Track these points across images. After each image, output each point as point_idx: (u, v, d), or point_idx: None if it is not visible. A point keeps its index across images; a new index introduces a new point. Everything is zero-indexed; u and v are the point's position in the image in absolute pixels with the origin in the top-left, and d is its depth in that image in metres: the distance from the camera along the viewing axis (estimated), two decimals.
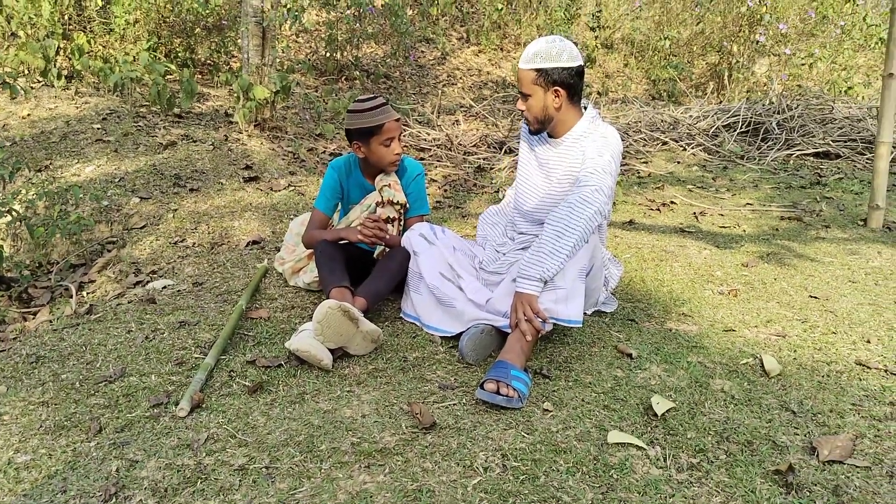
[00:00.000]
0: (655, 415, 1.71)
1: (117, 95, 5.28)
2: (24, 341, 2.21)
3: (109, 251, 3.29)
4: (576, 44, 9.73)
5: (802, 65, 8.44)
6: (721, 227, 3.92)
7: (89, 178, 3.91)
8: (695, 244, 3.44)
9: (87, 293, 2.98)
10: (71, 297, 2.92)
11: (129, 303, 2.62)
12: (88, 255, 3.31)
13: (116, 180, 3.87)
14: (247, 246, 3.17)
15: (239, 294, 2.59)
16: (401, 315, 2.40)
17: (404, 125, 6.42)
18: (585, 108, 2.29)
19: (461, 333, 2.12)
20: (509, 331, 2.01)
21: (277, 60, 5.40)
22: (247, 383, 1.86)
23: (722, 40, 8.73)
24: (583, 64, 2.19)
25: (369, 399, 1.78)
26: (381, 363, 2.01)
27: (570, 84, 2.17)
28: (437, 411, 1.73)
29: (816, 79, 8.55)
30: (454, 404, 1.77)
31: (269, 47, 5.20)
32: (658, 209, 4.27)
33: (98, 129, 4.53)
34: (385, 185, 2.52)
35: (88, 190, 3.71)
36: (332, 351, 1.97)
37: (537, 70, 2.14)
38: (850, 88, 8.07)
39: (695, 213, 4.19)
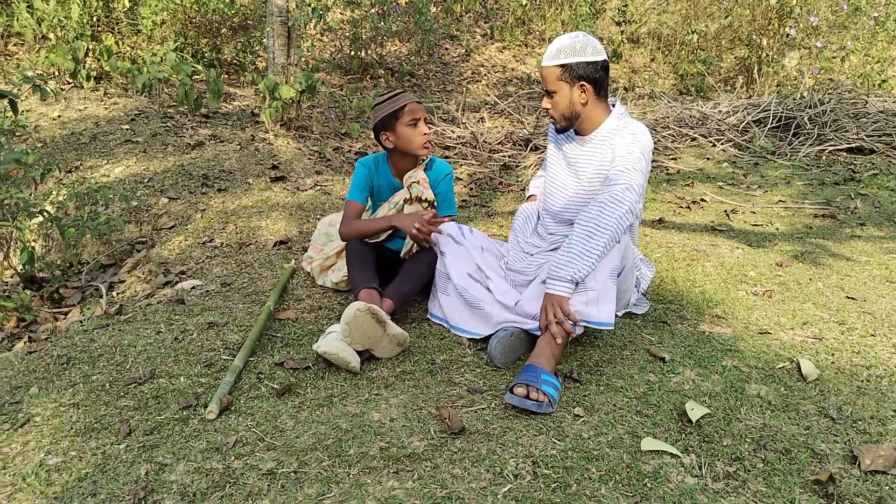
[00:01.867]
0: (690, 421, 1.67)
1: (145, 96, 5.32)
2: (56, 342, 2.22)
3: (139, 251, 3.32)
4: (600, 39, 9.64)
5: (834, 58, 8.27)
6: (753, 225, 3.85)
7: (119, 178, 3.94)
8: (727, 243, 3.38)
9: (117, 293, 3.01)
10: (101, 297, 2.94)
11: (158, 303, 2.64)
12: (118, 256, 3.34)
13: (145, 181, 3.90)
14: (274, 246, 3.17)
15: (267, 295, 2.59)
16: (428, 316, 2.38)
17: (429, 123, 6.40)
18: (613, 105, 2.25)
19: (489, 336, 2.09)
20: (539, 333, 1.98)
21: (302, 59, 5.41)
22: (275, 386, 1.85)
23: (751, 34, 8.58)
24: (608, 59, 2.15)
25: (397, 402, 1.76)
26: (408, 366, 1.99)
27: (596, 78, 2.13)
28: (466, 416, 1.70)
29: (849, 72, 8.38)
30: (483, 409, 1.74)
31: (294, 47, 5.21)
32: (688, 207, 4.20)
33: (127, 129, 4.57)
34: (414, 182, 2.50)
35: (118, 190, 3.75)
36: (358, 353, 1.96)
37: (562, 66, 2.10)
38: (884, 81, 7.89)
39: (726, 211, 4.11)
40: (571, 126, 2.23)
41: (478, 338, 2.18)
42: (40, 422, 1.71)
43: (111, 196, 3.52)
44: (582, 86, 2.12)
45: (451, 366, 2.00)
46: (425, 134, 2.43)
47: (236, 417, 1.70)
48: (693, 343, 2.15)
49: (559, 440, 1.58)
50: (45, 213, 3.11)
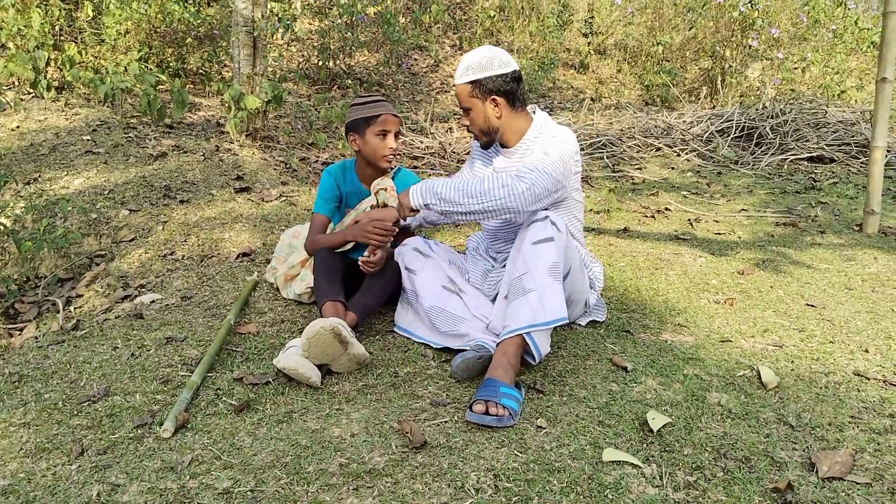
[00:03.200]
0: (651, 430, 1.67)
1: (108, 106, 5.24)
2: (8, 359, 2.16)
3: (98, 265, 3.25)
4: (568, 50, 9.73)
5: (795, 69, 8.44)
6: (716, 233, 3.90)
7: (78, 190, 3.86)
8: (690, 251, 3.41)
9: (75, 308, 2.94)
10: (58, 311, 2.87)
11: (116, 318, 2.58)
12: (77, 269, 3.27)
13: (106, 192, 3.83)
14: (237, 258, 3.13)
15: (228, 308, 2.55)
16: (394, 329, 2.36)
17: (400, 136, 6.39)
18: (534, 113, 2.27)
19: (457, 351, 2.09)
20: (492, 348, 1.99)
21: (269, 70, 5.37)
22: (233, 402, 1.81)
23: (714, 45, 8.73)
24: (518, 69, 2.17)
25: (359, 417, 1.74)
26: (371, 379, 1.97)
27: (507, 90, 2.14)
28: (429, 429, 1.69)
29: (809, 83, 8.55)
30: (446, 422, 1.73)
31: (260, 57, 5.17)
32: (653, 216, 4.24)
33: (88, 140, 4.49)
34: (381, 189, 2.48)
35: (77, 203, 3.67)
36: (318, 367, 1.93)
37: (471, 83, 2.13)
38: (843, 92, 8.07)
39: (689, 220, 4.16)
40: (493, 140, 2.25)
41: (440, 347, 2.17)
42: None
43: (70, 208, 3.44)
44: (494, 100, 2.14)
45: (414, 378, 1.98)
46: (391, 148, 2.42)
47: (192, 435, 1.66)
48: (655, 352, 2.16)
49: (521, 452, 1.57)
50: (1, 226, 3.03)
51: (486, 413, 1.68)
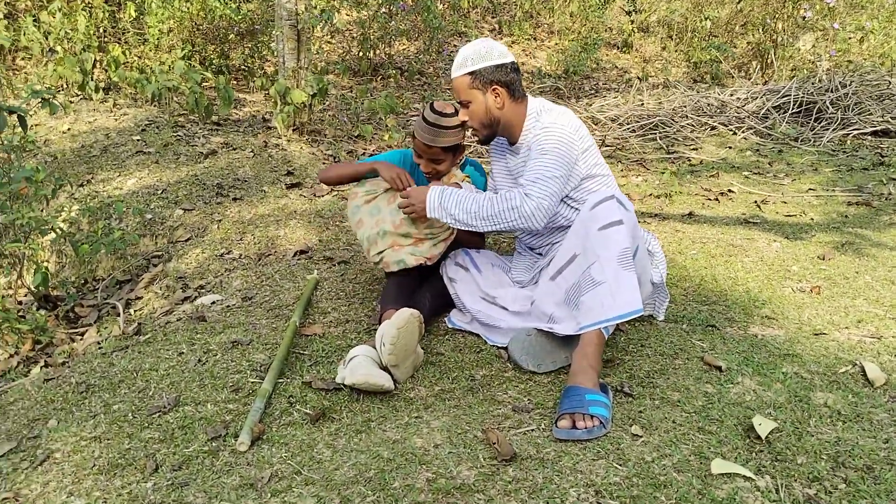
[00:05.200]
0: (758, 437, 1.54)
1: (155, 105, 5.23)
2: (73, 367, 2.13)
3: (155, 266, 3.22)
4: (610, 29, 9.48)
5: (850, 38, 8.08)
6: (786, 215, 3.71)
7: (131, 190, 3.85)
8: (762, 236, 3.24)
9: (135, 311, 2.91)
10: (118, 315, 2.85)
11: (178, 320, 2.54)
12: (134, 271, 3.25)
13: (159, 192, 3.81)
14: (294, 256, 3.07)
15: (290, 308, 2.49)
16: (450, 326, 2.28)
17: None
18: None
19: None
20: (556, 332, 1.89)
21: (312, 63, 5.30)
22: (308, 410, 1.74)
23: (765, 17, 8.40)
24: (515, 61, 2.10)
25: (440, 426, 1.65)
26: (447, 383, 1.88)
27: (507, 81, 2.07)
28: (515, 439, 1.59)
29: (866, 53, 8.17)
30: (532, 430, 1.63)
31: (304, 50, 5.11)
32: (716, 199, 4.06)
33: (138, 140, 4.48)
34: (454, 185, 2.38)
35: (131, 203, 3.65)
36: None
37: (470, 73, 2.06)
38: None
39: (756, 202, 3.97)
40: (494, 134, 2.16)
41: (504, 347, 2.09)
42: (61, 458, 1.61)
43: (124, 209, 3.42)
44: (495, 90, 2.06)
45: (492, 381, 1.88)
46: (426, 173, 2.33)
47: (269, 448, 1.59)
48: (747, 348, 2.02)
49: (621, 465, 1.46)
50: (57, 230, 3.02)
51: (574, 427, 1.58)
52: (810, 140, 5.72)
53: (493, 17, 9.71)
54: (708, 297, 2.47)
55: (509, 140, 2.19)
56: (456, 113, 2.20)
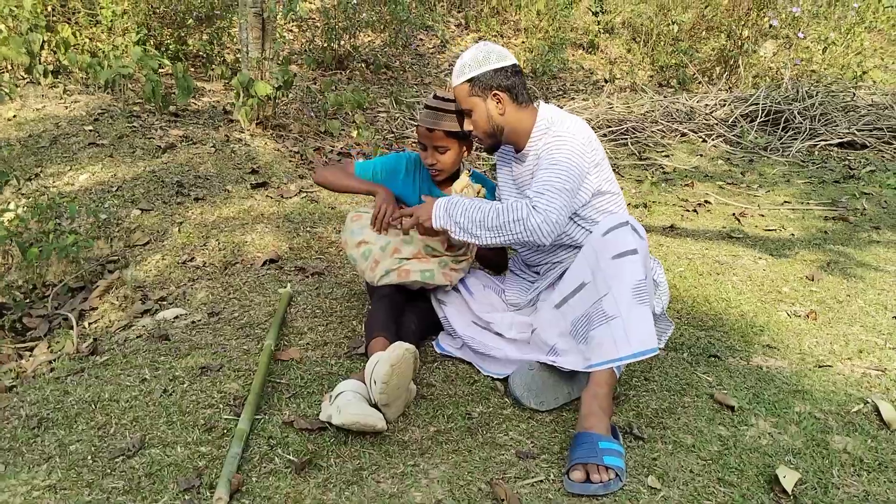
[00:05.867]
0: (784, 491, 1.44)
1: (108, 93, 4.93)
2: (23, 395, 1.91)
3: (111, 272, 2.99)
4: (574, 29, 9.42)
5: (807, 48, 8.16)
6: (766, 229, 3.67)
7: (84, 187, 3.59)
8: (747, 252, 3.18)
9: (89, 323, 2.68)
10: (71, 328, 2.62)
11: (138, 338, 2.33)
12: (88, 277, 3.01)
13: (114, 189, 3.56)
14: (263, 265, 2.87)
15: (262, 327, 2.30)
16: (438, 351, 2.13)
17: (410, 119, 6.11)
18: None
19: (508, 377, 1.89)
20: (560, 366, 1.76)
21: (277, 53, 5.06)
22: (291, 456, 1.57)
23: (731, 24, 8.43)
24: (517, 63, 1.97)
25: (439, 476, 1.50)
26: (442, 422, 1.73)
27: (508, 85, 1.94)
28: (524, 491, 1.45)
29: (827, 63, 8.27)
30: (541, 481, 1.49)
31: (269, 39, 4.87)
32: (695, 210, 4.00)
33: (90, 131, 4.20)
34: (466, 187, 2.22)
35: (84, 201, 3.40)
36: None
37: (469, 81, 1.93)
38: (864, 73, 7.80)
39: (734, 214, 3.92)
40: (498, 142, 2.03)
41: (501, 377, 1.95)
42: None
43: (77, 209, 3.16)
44: (495, 94, 1.93)
45: (490, 420, 1.74)
46: (429, 164, 2.18)
47: (251, 502, 1.42)
48: (755, 383, 1.93)
49: None
50: (1, 228, 2.76)
51: (588, 480, 1.45)
52: (779, 150, 5.73)
53: (458, 12, 9.56)
54: (703, 322, 2.38)
55: (515, 147, 2.05)
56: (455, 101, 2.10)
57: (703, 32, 9.00)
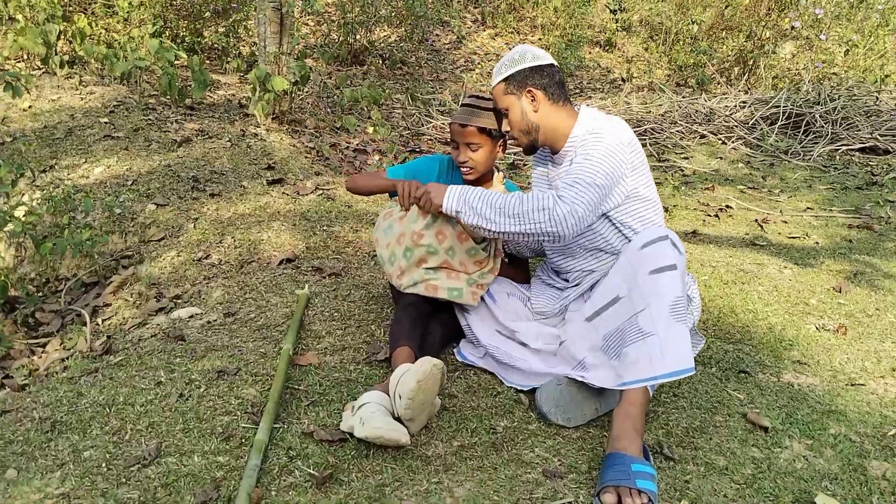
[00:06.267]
0: None
1: (124, 84, 4.90)
2: (35, 395, 1.87)
3: (125, 268, 2.95)
4: (591, 27, 9.32)
5: (830, 49, 8.05)
6: (789, 237, 3.59)
7: (98, 180, 3.55)
8: (772, 261, 3.11)
9: (103, 320, 2.65)
10: (84, 324, 2.58)
11: (152, 337, 2.29)
12: (101, 272, 2.97)
13: (129, 183, 3.52)
14: (280, 264, 2.83)
15: (279, 329, 2.26)
16: (459, 359, 2.07)
17: (426, 116, 6.06)
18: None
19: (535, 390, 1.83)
20: (590, 382, 1.70)
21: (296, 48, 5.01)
22: (311, 469, 1.52)
23: (751, 25, 8.32)
24: (554, 63, 1.94)
25: (465, 494, 1.45)
26: (465, 437, 1.68)
27: (543, 83, 1.92)
28: None
29: (847, 65, 8.15)
30: (570, 503, 1.44)
31: (287, 34, 4.82)
32: (716, 215, 3.93)
33: (106, 123, 4.16)
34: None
35: (99, 195, 3.36)
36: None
37: (504, 79, 1.93)
38: (886, 76, 7.68)
39: (756, 220, 3.85)
40: (535, 142, 1.98)
41: (525, 389, 1.90)
42: None
43: (92, 202, 3.13)
44: (530, 92, 1.91)
45: (515, 436, 1.69)
46: (461, 161, 2.15)
47: None
48: (787, 401, 1.87)
49: None
50: (16, 221, 2.73)
51: None
52: (800, 154, 5.64)
53: (475, 7, 9.48)
54: (731, 335, 2.32)
55: (552, 149, 2.01)
56: (490, 99, 2.11)
57: (723, 32, 8.89)
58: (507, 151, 5.17)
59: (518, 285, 2.18)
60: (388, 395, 1.65)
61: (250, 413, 1.74)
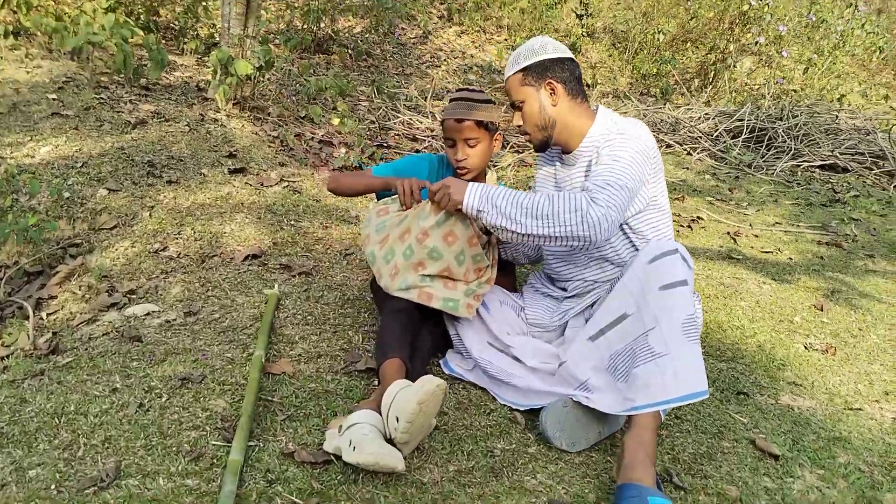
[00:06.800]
0: None
1: (74, 60, 4.59)
2: None
3: (73, 257, 2.71)
4: (556, 31, 9.30)
5: (786, 67, 8.18)
6: (762, 251, 3.57)
7: (45, 160, 3.28)
8: (749, 276, 3.07)
9: (47, 314, 2.41)
10: (26, 318, 2.35)
11: (104, 335, 2.09)
12: (46, 261, 2.73)
13: (78, 165, 3.26)
14: (244, 260, 2.64)
15: (246, 333, 2.08)
16: (447, 372, 1.93)
17: (393, 111, 5.89)
18: (597, 109, 1.89)
19: (538, 409, 1.70)
20: (595, 406, 1.58)
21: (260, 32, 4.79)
22: (294, 496, 1.36)
23: (715, 37, 8.41)
24: (573, 57, 1.84)
25: None
26: (462, 460, 1.54)
27: (564, 77, 1.81)
28: None
29: (804, 84, 8.31)
30: None
31: (252, 16, 4.60)
32: (689, 226, 3.89)
33: (54, 100, 3.87)
34: None
35: (45, 176, 3.10)
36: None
37: (522, 70, 1.81)
38: (842, 96, 7.86)
39: (729, 233, 3.82)
40: (549, 138, 1.86)
41: (521, 408, 1.77)
42: None
43: (39, 185, 2.87)
44: (550, 84, 1.80)
45: (515, 460, 1.56)
46: (457, 160, 2.02)
47: None
48: (791, 426, 1.79)
49: None
50: None
51: None
52: (762, 168, 5.68)
53: (441, 3, 9.35)
54: (722, 352, 2.24)
55: (564, 148, 1.88)
56: (481, 91, 2.01)
57: (686, 44, 8.96)
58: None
59: (510, 294, 2.05)
60: (380, 413, 1.50)
61: (221, 429, 1.56)
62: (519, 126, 1.86)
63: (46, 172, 3.16)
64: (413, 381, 1.64)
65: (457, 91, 2.04)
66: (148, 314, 2.24)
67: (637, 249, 1.77)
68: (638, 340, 1.55)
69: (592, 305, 1.83)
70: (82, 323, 2.28)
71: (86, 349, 1.97)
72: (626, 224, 1.77)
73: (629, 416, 1.52)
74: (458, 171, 2.04)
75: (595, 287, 1.84)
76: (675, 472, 1.55)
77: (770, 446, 1.67)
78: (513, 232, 1.64)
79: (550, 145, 1.87)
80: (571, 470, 1.55)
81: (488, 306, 1.94)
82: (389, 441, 1.46)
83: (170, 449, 1.47)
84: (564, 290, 1.94)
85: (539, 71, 1.78)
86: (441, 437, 1.61)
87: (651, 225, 1.78)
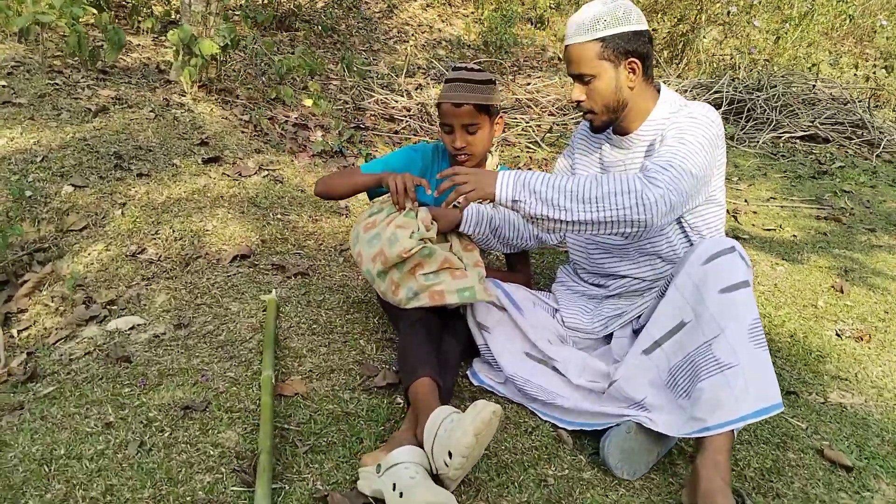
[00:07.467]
0: None
1: (22, 43, 4.24)
2: None
3: (41, 263, 2.46)
4: (522, 3, 9.09)
5: (756, 38, 8.12)
6: (765, 229, 3.47)
7: (1, 155, 2.99)
8: (760, 256, 2.96)
9: (18, 331, 2.17)
10: None
11: (86, 355, 1.87)
12: (11, 269, 2.47)
13: (38, 160, 2.98)
14: (232, 261, 2.42)
15: (247, 346, 1.88)
16: (476, 383, 1.76)
17: (366, 90, 5.64)
18: (658, 88, 1.70)
19: (600, 433, 1.52)
20: (659, 429, 1.43)
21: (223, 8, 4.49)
22: None
23: (685, 8, 8.29)
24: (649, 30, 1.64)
25: None
26: (514, 493, 1.38)
27: (645, 53, 1.61)
28: None
29: (776, 53, 8.26)
30: None
31: None
32: None
33: (4, 87, 3.56)
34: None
35: (2, 173, 2.82)
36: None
37: (602, 40, 1.56)
38: (813, 65, 7.82)
39: (729, 211, 3.71)
40: (614, 121, 1.67)
41: (566, 428, 1.60)
42: None
43: None
44: (631, 62, 1.59)
45: (572, 489, 1.40)
46: (455, 148, 1.84)
47: None
48: (852, 430, 1.67)
49: None
50: None
51: None
52: (745, 140, 5.60)
53: None
54: None
55: (622, 130, 1.69)
56: (481, 70, 1.81)
57: (657, 14, 8.83)
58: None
59: (538, 293, 1.87)
60: (421, 447, 1.32)
61: (238, 470, 1.37)
62: (579, 101, 1.64)
63: (3, 168, 2.88)
64: (444, 399, 1.47)
65: (453, 69, 1.84)
66: (133, 328, 2.02)
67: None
68: (700, 351, 1.40)
69: (640, 317, 1.66)
70: (59, 340, 2.05)
71: (68, 374, 1.76)
72: (684, 219, 1.61)
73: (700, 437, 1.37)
74: (459, 160, 1.85)
75: (640, 286, 1.68)
76: (745, 493, 1.41)
77: (840, 456, 1.55)
78: (557, 220, 1.46)
79: (612, 125, 1.68)
80: (633, 496, 1.40)
81: (521, 307, 1.75)
82: (435, 477, 1.29)
83: (183, 499, 1.28)
84: (602, 286, 1.77)
85: (621, 45, 1.56)
86: (486, 465, 1.45)
87: (707, 221, 1.63)
